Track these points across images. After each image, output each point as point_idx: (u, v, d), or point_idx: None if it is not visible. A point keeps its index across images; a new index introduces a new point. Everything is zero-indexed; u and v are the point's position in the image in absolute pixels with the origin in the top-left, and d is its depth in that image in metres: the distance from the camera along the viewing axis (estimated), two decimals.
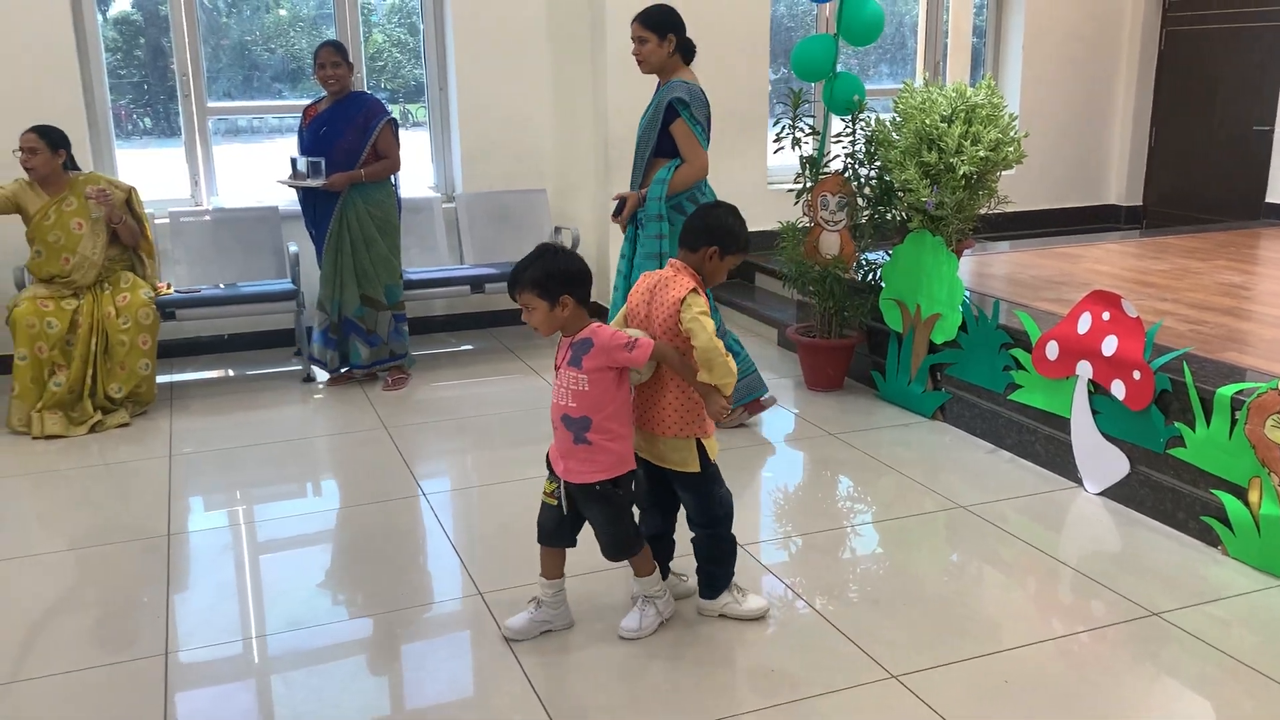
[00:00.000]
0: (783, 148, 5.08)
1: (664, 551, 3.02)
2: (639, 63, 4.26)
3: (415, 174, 6.33)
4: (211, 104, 5.90)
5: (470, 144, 6.15)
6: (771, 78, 7.08)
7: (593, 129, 6.23)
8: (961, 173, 4.36)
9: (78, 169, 4.96)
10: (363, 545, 3.58)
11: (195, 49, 5.76)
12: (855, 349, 5.09)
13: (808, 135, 5.04)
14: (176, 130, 5.91)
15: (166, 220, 5.56)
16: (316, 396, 5.20)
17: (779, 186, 6.31)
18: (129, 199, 4.95)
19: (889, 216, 4.93)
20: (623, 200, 4.38)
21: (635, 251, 4.41)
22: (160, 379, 5.12)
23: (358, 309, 5.11)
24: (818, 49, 4.97)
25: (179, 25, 5.72)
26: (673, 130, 4.19)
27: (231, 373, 5.64)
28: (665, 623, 2.91)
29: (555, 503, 2.79)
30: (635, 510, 2.88)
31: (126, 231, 4.89)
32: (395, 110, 5.74)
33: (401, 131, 5.18)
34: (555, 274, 2.63)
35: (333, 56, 4.95)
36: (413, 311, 5.48)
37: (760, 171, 6.90)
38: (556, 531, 2.83)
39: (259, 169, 5.91)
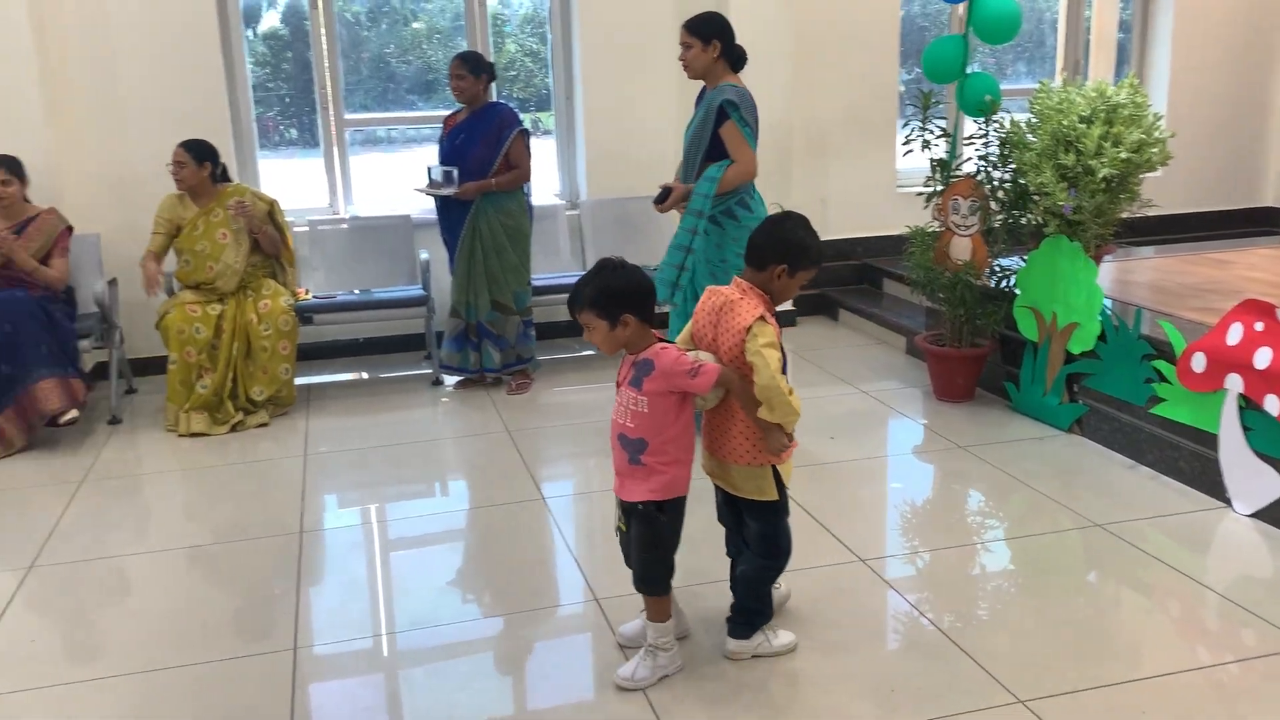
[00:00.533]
0: (912, 150, 4.95)
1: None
2: (684, 67, 4.29)
3: (542, 181, 6.41)
4: (349, 116, 6.11)
5: (595, 151, 6.20)
6: (905, 78, 6.94)
7: None
8: (1101, 175, 4.16)
9: (228, 180, 5.20)
10: (486, 547, 3.65)
11: (334, 62, 5.98)
12: (987, 358, 4.92)
13: (938, 137, 4.91)
14: (319, 141, 6.15)
15: (305, 229, 5.78)
16: (444, 400, 5.32)
17: (908, 190, 6.16)
18: (271, 211, 5.17)
19: (1023, 221, 4.75)
20: (667, 189, 4.32)
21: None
22: (298, 381, 5.32)
23: (489, 314, 5.23)
24: (948, 50, 4.83)
25: (318, 40, 5.94)
26: (722, 132, 4.17)
27: (365, 375, 5.83)
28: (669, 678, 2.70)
29: (625, 529, 2.68)
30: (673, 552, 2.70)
31: (267, 241, 5.10)
32: (527, 119, 5.82)
33: (532, 140, 5.26)
34: (615, 292, 2.48)
35: (458, 69, 5.07)
36: (538, 317, 5.55)
37: (889, 175, 6.76)
38: None
39: (395, 178, 6.10)
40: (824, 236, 6.80)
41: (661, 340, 2.58)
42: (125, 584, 3.46)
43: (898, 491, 4.07)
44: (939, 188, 4.91)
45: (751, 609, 2.78)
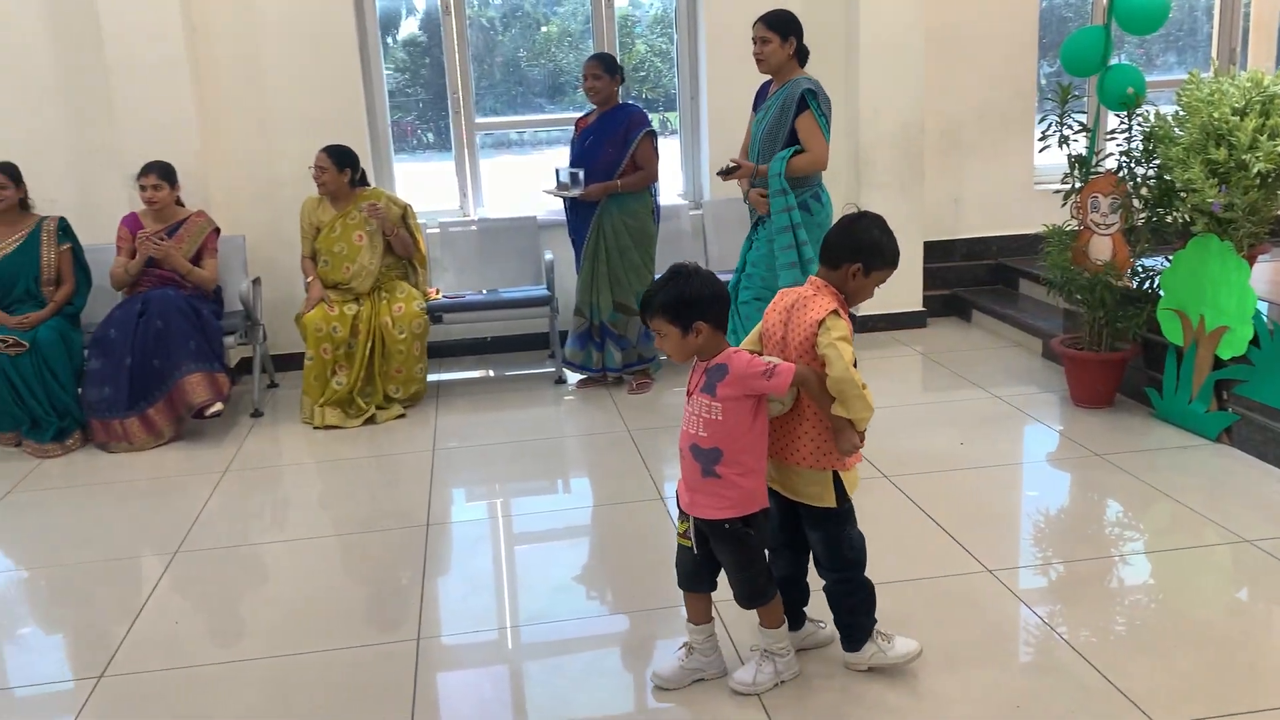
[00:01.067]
0: (1049, 146, 4.77)
1: (797, 596, 2.79)
2: (759, 62, 4.31)
3: (667, 182, 6.42)
4: (479, 120, 6.25)
5: (719, 151, 6.17)
6: (1047, 71, 6.69)
7: (844, 132, 6.10)
8: (1255, 171, 3.92)
9: (366, 184, 5.38)
10: (607, 545, 3.67)
11: (465, 67, 6.12)
12: (1128, 363, 4.69)
13: (1077, 133, 4.71)
14: (452, 144, 6.30)
15: (437, 230, 5.94)
16: (567, 398, 5.38)
17: (1045, 187, 5.93)
18: (404, 215, 5.32)
19: (1169, 219, 4.51)
20: (735, 164, 4.32)
21: (744, 262, 4.43)
22: (428, 378, 5.46)
23: (611, 314, 5.26)
24: (1088, 41, 4.63)
25: (451, 45, 6.09)
26: (799, 121, 4.19)
27: (491, 373, 5.95)
28: (784, 684, 2.66)
29: (689, 544, 2.59)
30: (766, 553, 2.65)
31: (400, 244, 5.26)
32: (655, 120, 5.84)
33: (661, 140, 5.27)
34: (688, 299, 2.43)
35: (594, 69, 5.12)
36: None
37: (1026, 171, 6.52)
38: (695, 575, 2.63)
39: (524, 180, 6.21)
40: (956, 235, 6.75)
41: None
42: (263, 570, 3.62)
43: (1031, 500, 3.91)
44: (1078, 185, 4.71)
45: (849, 623, 2.70)
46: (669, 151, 6.35)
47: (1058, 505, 3.88)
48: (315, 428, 5.02)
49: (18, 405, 4.82)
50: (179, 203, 5.24)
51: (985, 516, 3.69)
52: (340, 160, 5.15)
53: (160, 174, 5.05)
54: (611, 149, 5.10)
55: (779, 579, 2.69)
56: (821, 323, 2.45)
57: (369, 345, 5.11)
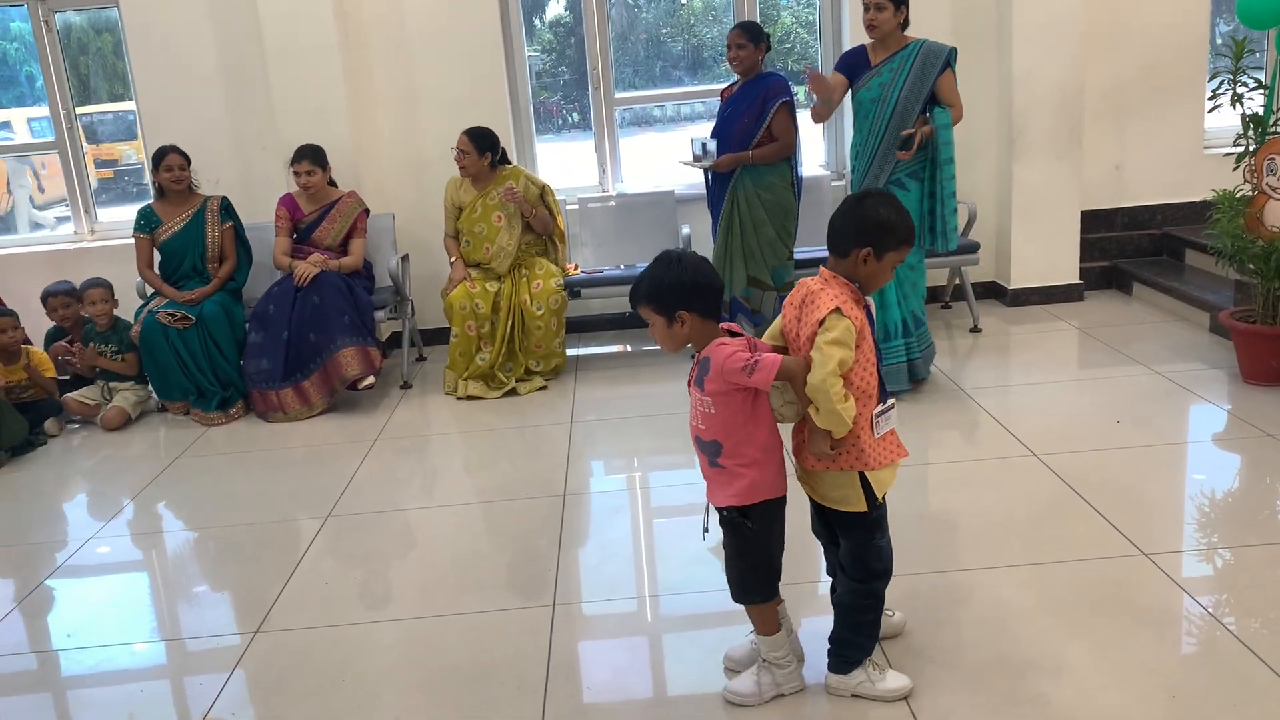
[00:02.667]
0: (1220, 106, 4.45)
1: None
2: (870, 29, 4.44)
3: (809, 153, 6.30)
4: (618, 95, 6.27)
5: None
6: (1224, 29, 6.26)
7: (995, 96, 5.85)
8: None
9: (508, 162, 5.47)
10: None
11: (605, 43, 6.14)
12: None
13: (1253, 89, 4.38)
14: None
15: (576, 206, 5.99)
16: None
17: (1216, 151, 5.55)
18: (543, 194, 5.38)
19: None
20: (912, 132, 4.36)
21: None
22: (567, 352, 5.54)
23: (744, 289, 5.19)
24: None
25: (591, 21, 6.12)
26: (943, 81, 4.38)
27: (629, 348, 5.98)
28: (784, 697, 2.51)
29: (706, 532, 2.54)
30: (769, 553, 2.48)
31: (539, 222, 5.33)
32: (800, 92, 5.73)
33: (804, 113, 5.15)
34: (669, 287, 2.31)
35: (738, 38, 5.02)
36: None
37: (1194, 134, 6.12)
38: None
39: (663, 156, 6.20)
40: (1118, 204, 6.42)
41: (735, 333, 2.39)
42: (409, 535, 3.74)
43: (1195, 483, 3.68)
44: (1252, 147, 4.38)
45: (848, 640, 2.49)
46: (810, 122, 6.22)
47: (1225, 488, 3.63)
48: (458, 399, 5.15)
49: (185, 376, 5.12)
50: (331, 183, 5.44)
51: (1142, 499, 3.49)
52: (480, 143, 5.24)
53: (313, 159, 5.26)
54: (748, 118, 5.01)
55: (832, 571, 2.58)
56: (822, 322, 2.27)
57: (509, 321, 5.20)
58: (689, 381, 2.42)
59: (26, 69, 6.90)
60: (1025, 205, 5.87)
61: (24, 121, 9.10)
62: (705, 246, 5.55)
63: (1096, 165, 6.09)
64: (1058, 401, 4.48)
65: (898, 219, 2.34)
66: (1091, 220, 6.10)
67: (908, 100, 4.37)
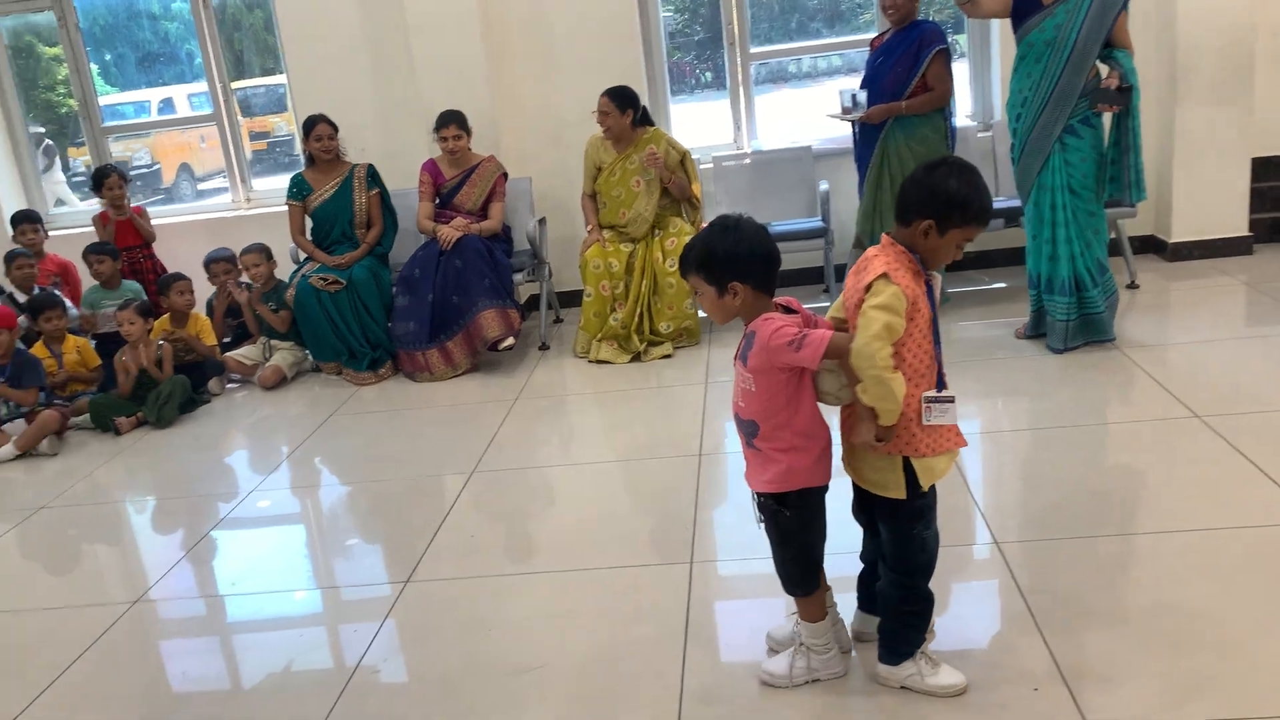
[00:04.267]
0: None
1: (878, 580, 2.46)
2: None
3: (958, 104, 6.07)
4: (754, 49, 6.16)
5: (1010, 68, 5.74)
6: None
7: (1157, 39, 5.50)
8: None
9: (649, 123, 5.45)
10: None
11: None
12: None
13: None
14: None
15: (710, 165, 5.94)
16: None
17: None
18: (682, 160, 5.34)
19: None
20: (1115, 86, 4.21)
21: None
22: (700, 314, 5.52)
23: None
24: None
25: None
26: (1122, 20, 4.18)
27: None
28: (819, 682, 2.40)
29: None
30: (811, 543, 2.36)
31: (676, 187, 5.30)
32: (960, 41, 5.51)
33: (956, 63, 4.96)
34: (723, 256, 2.18)
35: None
36: None
37: None
38: None
39: (800, 112, 6.08)
40: None
41: (791, 310, 2.25)
42: (549, 491, 3.82)
43: None
44: None
45: (894, 632, 2.36)
46: (956, 72, 6.00)
47: None
48: (590, 362, 5.20)
49: (336, 337, 5.33)
50: (469, 149, 5.54)
51: None
52: (622, 102, 5.23)
53: (459, 124, 5.36)
54: (900, 68, 4.84)
55: (865, 560, 2.48)
56: (869, 287, 2.13)
57: (643, 282, 5.21)
58: (735, 356, 2.30)
59: (186, 47, 7.26)
60: (1188, 153, 5.52)
61: (185, 97, 9.60)
62: (846, 201, 5.44)
63: (1269, 110, 5.67)
64: (1224, 361, 4.22)
65: (970, 194, 2.12)
66: (1262, 168, 5.69)
67: (1087, 42, 4.16)
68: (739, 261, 2.18)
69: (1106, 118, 4.31)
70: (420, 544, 3.40)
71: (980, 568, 2.88)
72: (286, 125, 11.06)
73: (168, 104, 9.32)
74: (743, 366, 2.23)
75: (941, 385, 2.22)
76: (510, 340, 5.19)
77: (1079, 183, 4.33)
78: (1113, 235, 5.64)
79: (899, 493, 2.22)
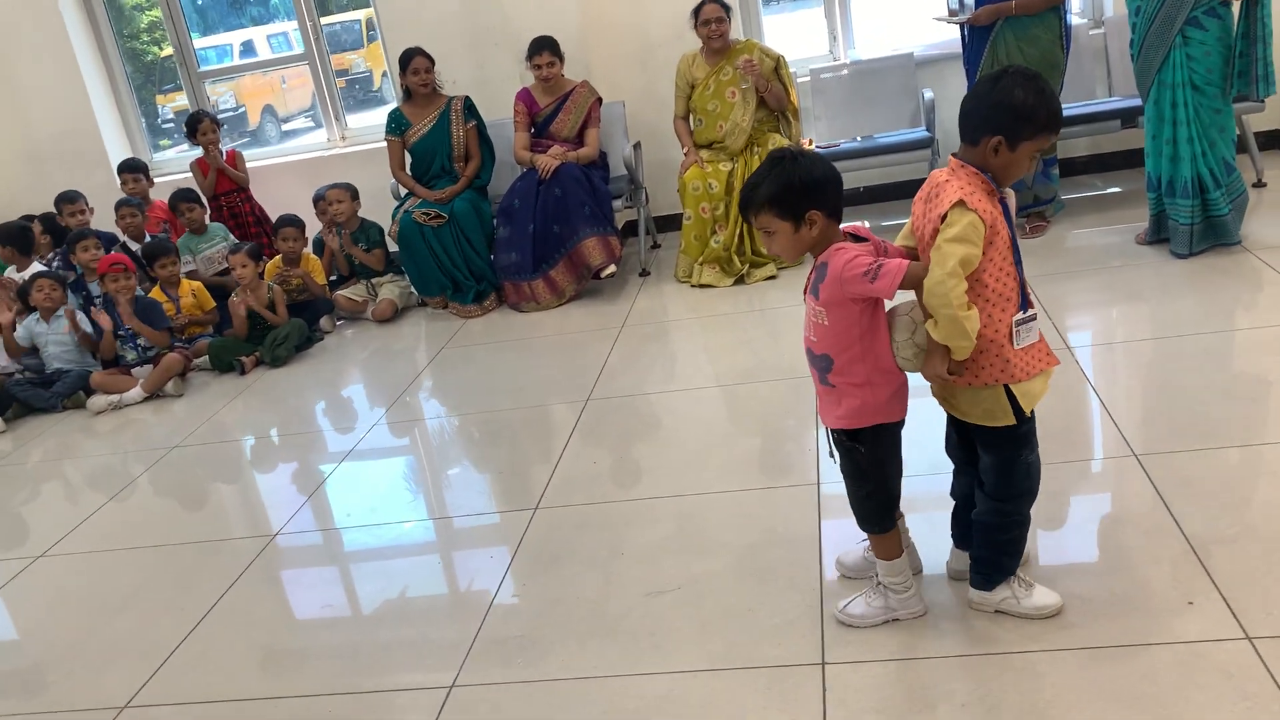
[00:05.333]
0: None
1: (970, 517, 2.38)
2: None
3: None
4: None
5: None
6: None
7: None
8: None
9: (736, 39, 5.31)
10: None
11: None
12: None
13: None
14: None
15: (807, 78, 5.79)
16: None
17: None
18: (777, 66, 5.22)
19: None
20: None
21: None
22: None
23: None
24: None
25: None
26: None
27: (867, 224, 5.78)
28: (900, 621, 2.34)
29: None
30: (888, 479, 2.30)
31: (773, 97, 5.18)
32: None
33: None
34: (796, 185, 2.09)
35: None
36: (1059, 152, 5.10)
37: None
38: None
39: (900, 15, 5.87)
40: None
41: (859, 238, 2.16)
42: (664, 417, 3.83)
43: None
44: None
45: (988, 559, 2.31)
46: None
47: None
48: (693, 286, 5.17)
49: (441, 271, 5.39)
50: (562, 75, 5.48)
51: None
52: (728, 9, 5.11)
53: (552, 50, 5.30)
54: None
55: (958, 498, 2.41)
56: (944, 217, 2.03)
57: None
58: (805, 289, 2.23)
59: None
60: None
61: (264, 39, 9.69)
62: (953, 109, 5.23)
63: None
64: None
65: (1037, 102, 2.03)
66: None
67: None
68: (815, 188, 2.11)
69: (1235, 7, 4.07)
70: (544, 472, 3.45)
71: (1119, 480, 2.82)
72: (364, 62, 11.14)
73: (248, 47, 9.43)
74: (814, 300, 2.17)
75: (1026, 304, 2.14)
76: (613, 267, 5.19)
77: (1202, 78, 4.12)
78: (1238, 132, 5.38)
79: (1008, 419, 2.15)
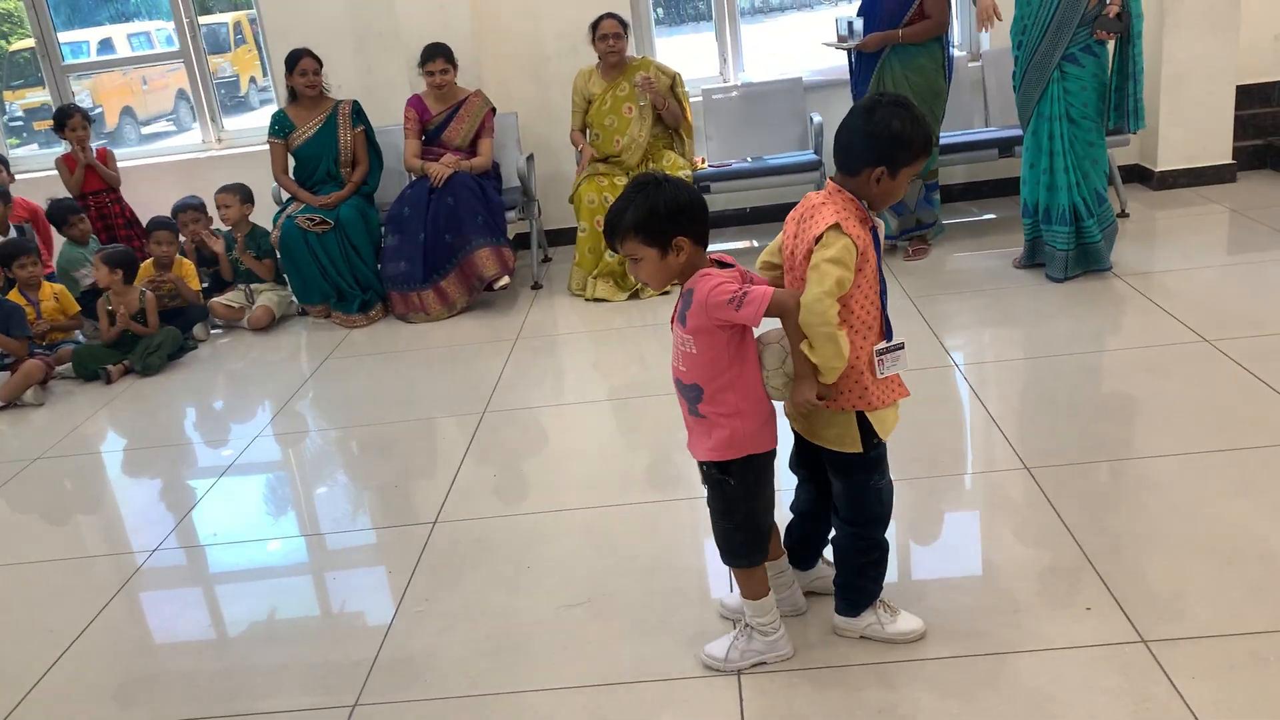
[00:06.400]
0: None
1: (813, 532, 2.43)
2: None
3: None
4: None
5: None
6: None
7: None
8: None
9: (632, 55, 5.34)
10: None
11: None
12: None
13: None
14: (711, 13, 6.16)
15: (699, 98, 5.85)
16: None
17: None
18: (673, 84, 5.26)
19: None
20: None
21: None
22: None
23: None
24: None
25: None
26: None
27: (756, 244, 5.88)
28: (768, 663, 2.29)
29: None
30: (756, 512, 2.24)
31: (669, 114, 5.22)
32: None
33: None
34: (662, 211, 2.04)
35: None
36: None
37: None
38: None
39: (790, 42, 6.00)
40: (1277, 76, 5.98)
41: (725, 264, 2.13)
42: (563, 430, 3.78)
43: None
44: None
45: (851, 584, 2.31)
46: None
47: None
48: (587, 300, 5.14)
49: (324, 279, 5.22)
50: (454, 83, 5.39)
51: None
52: (626, 26, 5.14)
53: (446, 58, 5.21)
54: None
55: (797, 513, 2.41)
56: (819, 239, 2.03)
57: None
58: (672, 318, 2.17)
59: None
60: (1175, 82, 5.55)
61: (124, 37, 9.25)
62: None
63: (1254, 35, 5.71)
64: (1222, 286, 4.29)
65: (913, 130, 2.06)
66: (1245, 95, 5.75)
67: None
68: (681, 213, 2.05)
69: (1110, 45, 4.30)
70: (441, 486, 3.36)
71: (1014, 493, 2.91)
72: (231, 66, 10.75)
73: (106, 44, 9.00)
74: (681, 328, 2.11)
75: (889, 334, 2.18)
76: (505, 279, 5.12)
77: (1078, 111, 4.34)
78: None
79: (856, 447, 2.16)
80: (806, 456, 2.32)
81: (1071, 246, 4.46)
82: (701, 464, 2.21)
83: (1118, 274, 4.50)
